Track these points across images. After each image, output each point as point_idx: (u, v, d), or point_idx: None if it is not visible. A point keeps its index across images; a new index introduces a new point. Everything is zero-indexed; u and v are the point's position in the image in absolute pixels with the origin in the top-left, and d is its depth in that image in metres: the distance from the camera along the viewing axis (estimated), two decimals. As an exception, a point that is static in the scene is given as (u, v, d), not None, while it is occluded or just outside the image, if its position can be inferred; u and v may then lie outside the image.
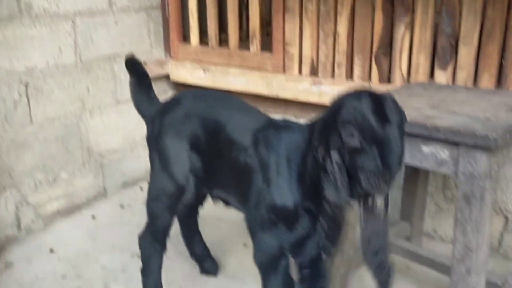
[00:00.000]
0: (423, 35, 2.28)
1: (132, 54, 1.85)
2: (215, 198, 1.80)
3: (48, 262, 2.25)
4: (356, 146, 1.21)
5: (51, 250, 2.34)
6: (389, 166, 1.21)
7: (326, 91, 2.50)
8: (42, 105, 2.43)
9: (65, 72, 2.51)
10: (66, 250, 2.34)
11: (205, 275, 2.17)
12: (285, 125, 1.58)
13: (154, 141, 1.76)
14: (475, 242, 1.52)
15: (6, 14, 2.22)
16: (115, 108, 2.81)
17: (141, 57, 2.90)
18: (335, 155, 1.25)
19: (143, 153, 3.05)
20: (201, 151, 1.68)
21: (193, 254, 2.17)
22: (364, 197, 1.32)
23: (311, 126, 1.42)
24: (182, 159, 1.70)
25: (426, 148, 1.58)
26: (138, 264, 2.21)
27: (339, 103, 1.27)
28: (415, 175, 2.17)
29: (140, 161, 3.04)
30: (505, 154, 1.56)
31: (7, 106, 2.29)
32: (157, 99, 1.89)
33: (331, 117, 1.26)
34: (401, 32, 2.32)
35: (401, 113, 1.26)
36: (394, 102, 1.26)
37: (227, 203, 1.76)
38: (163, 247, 1.87)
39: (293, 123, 1.60)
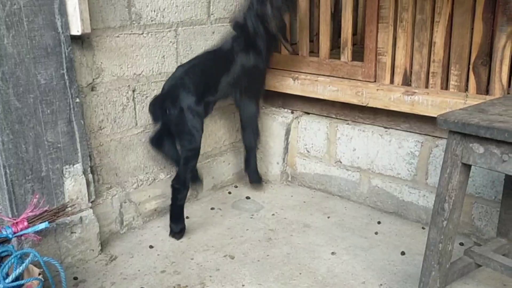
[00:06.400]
0: (526, 45, 2.21)
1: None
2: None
3: (148, 257, 2.40)
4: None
5: (151, 246, 2.48)
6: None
7: (419, 101, 2.48)
8: (146, 110, 2.59)
9: (167, 78, 2.67)
10: (164, 247, 2.48)
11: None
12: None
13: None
14: None
15: (119, 23, 2.41)
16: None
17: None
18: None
19: (232, 158, 3.17)
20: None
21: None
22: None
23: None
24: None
25: (537, 161, 1.54)
26: (231, 264, 2.32)
27: None
28: (515, 189, 2.10)
29: (228, 166, 3.15)
30: None
31: (117, 109, 2.47)
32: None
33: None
34: (502, 42, 2.26)
35: None
36: None
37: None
38: None
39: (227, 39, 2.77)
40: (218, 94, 2.63)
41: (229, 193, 3.11)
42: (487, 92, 2.36)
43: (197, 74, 2.51)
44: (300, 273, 2.25)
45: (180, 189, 2.51)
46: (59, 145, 2.17)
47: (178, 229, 2.57)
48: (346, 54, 2.82)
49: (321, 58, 2.94)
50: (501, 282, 2.17)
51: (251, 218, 2.79)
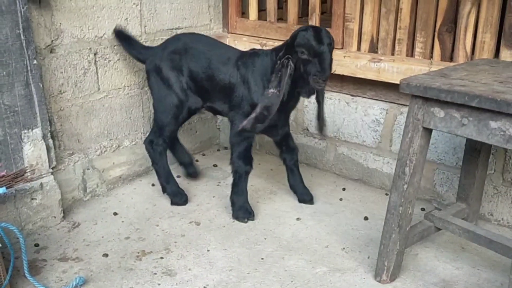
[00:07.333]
0: (490, 12, 2.23)
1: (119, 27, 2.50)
2: (206, 109, 2.51)
3: (112, 224, 2.37)
4: (305, 59, 2.06)
5: (115, 213, 2.45)
6: (324, 69, 2.02)
7: (385, 68, 2.49)
8: (109, 74, 2.53)
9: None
10: (129, 214, 2.46)
11: (189, 178, 2.83)
12: (255, 53, 2.32)
13: (156, 71, 2.42)
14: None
15: (78, -15, 2.32)
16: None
17: (200, 31, 2.99)
18: (291, 64, 2.09)
19: (200, 126, 3.14)
20: (194, 78, 2.39)
21: (181, 161, 2.80)
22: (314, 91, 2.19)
23: (277, 50, 2.20)
24: (180, 83, 2.41)
25: (494, 124, 1.56)
26: (197, 230, 2.32)
27: (295, 34, 2.10)
28: (475, 156, 2.14)
29: (195, 134, 3.12)
30: None
31: (78, 73, 2.40)
32: (148, 46, 2.58)
33: (291, 43, 2.09)
34: (467, 9, 2.27)
35: (330, 38, 2.07)
36: (327, 31, 2.09)
37: (215, 112, 2.52)
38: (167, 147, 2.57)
39: (260, 50, 2.36)
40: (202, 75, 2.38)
41: (197, 161, 3.09)
42: (451, 59, 2.38)
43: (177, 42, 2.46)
44: (265, 238, 2.27)
45: (146, 147, 2.56)
46: (16, 109, 2.10)
47: (169, 190, 2.58)
48: (314, 20, 2.79)
49: (289, 24, 2.90)
50: (459, 245, 2.23)
51: (218, 185, 2.78)
